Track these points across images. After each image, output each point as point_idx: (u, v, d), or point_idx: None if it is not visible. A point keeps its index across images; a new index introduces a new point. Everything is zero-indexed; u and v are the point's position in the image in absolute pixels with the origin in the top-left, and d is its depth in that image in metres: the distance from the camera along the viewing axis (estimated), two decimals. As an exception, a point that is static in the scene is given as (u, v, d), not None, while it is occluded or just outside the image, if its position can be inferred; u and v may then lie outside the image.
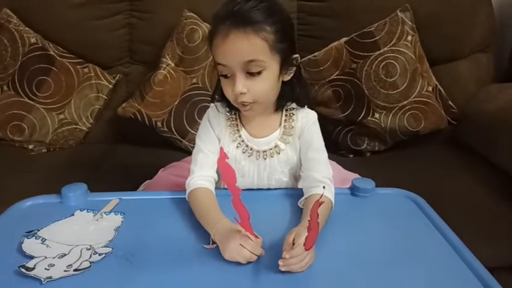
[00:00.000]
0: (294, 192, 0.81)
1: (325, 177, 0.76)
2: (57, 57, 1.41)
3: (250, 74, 0.68)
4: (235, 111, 0.79)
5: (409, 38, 1.36)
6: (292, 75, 0.75)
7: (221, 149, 0.57)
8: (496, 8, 1.50)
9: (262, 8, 0.67)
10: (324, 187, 0.70)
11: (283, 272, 0.59)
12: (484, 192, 1.14)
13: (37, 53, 1.39)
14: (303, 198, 0.75)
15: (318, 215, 0.55)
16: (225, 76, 0.70)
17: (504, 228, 1.00)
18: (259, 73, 0.68)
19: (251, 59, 0.67)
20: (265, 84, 0.70)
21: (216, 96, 0.80)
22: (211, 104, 0.81)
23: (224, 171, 0.56)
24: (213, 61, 0.73)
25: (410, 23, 1.36)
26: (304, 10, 1.46)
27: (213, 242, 0.65)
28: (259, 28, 0.66)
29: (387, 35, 1.35)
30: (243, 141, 0.79)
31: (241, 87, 0.68)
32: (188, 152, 1.35)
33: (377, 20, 1.37)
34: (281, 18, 0.70)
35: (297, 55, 0.74)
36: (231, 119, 0.79)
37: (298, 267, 0.59)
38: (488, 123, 1.31)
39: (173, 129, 1.36)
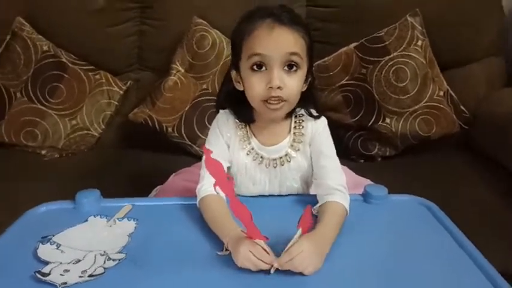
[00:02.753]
0: (306, 199, 0.80)
1: (339, 184, 0.75)
2: (69, 64, 1.43)
3: (288, 68, 0.69)
4: (243, 119, 0.78)
5: (419, 42, 1.35)
6: (306, 88, 0.76)
7: (203, 147, 0.58)
8: (507, 11, 1.49)
9: (299, 17, 0.73)
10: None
11: (294, 280, 0.59)
12: (498, 197, 1.12)
13: (49, 60, 1.41)
14: (317, 205, 0.75)
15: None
16: (259, 68, 0.70)
17: (518, 234, 0.99)
18: (295, 70, 0.70)
19: (295, 51, 0.69)
20: (298, 83, 0.71)
21: (222, 96, 0.81)
22: (221, 111, 0.81)
23: (214, 171, 0.56)
24: (222, 67, 0.74)
25: (420, 28, 1.36)
26: (313, 16, 1.47)
27: (227, 249, 0.65)
28: (300, 30, 0.70)
29: (397, 40, 1.35)
30: (253, 148, 0.78)
31: (278, 81, 0.68)
32: (199, 157, 1.35)
33: (387, 25, 1.37)
34: (309, 32, 0.73)
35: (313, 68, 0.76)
36: (240, 126, 0.79)
37: (294, 266, 0.59)
38: (501, 127, 1.30)
39: (184, 134, 1.37)
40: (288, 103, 0.72)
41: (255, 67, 0.70)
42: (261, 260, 0.59)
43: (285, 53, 0.68)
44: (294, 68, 0.70)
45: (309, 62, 0.73)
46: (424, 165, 1.33)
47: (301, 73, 0.71)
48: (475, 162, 1.32)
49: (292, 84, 0.70)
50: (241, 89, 0.75)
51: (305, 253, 0.60)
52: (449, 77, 1.40)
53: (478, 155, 1.36)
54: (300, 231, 0.62)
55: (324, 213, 0.71)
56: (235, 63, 0.75)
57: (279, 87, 0.68)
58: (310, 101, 0.79)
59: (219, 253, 0.65)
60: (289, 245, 0.61)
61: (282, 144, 0.78)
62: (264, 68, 0.69)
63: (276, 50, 0.68)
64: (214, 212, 0.72)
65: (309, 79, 0.76)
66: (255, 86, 0.70)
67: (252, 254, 0.59)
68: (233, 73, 0.76)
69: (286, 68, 0.69)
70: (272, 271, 0.60)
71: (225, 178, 0.57)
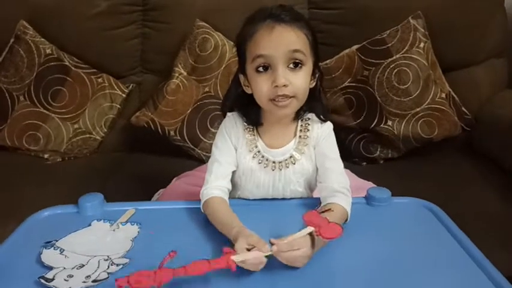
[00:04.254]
0: (309, 202, 0.80)
1: (342, 186, 0.76)
2: (72, 68, 1.43)
3: (293, 66, 0.70)
4: (251, 122, 0.79)
5: (422, 44, 1.35)
6: (314, 84, 0.76)
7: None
8: (510, 13, 1.49)
9: (299, 14, 0.73)
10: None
11: (298, 282, 0.59)
12: (500, 199, 1.12)
13: (52, 63, 1.41)
14: (319, 207, 0.75)
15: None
16: (265, 69, 0.70)
17: (521, 236, 0.99)
18: (300, 67, 0.70)
19: (297, 48, 0.69)
20: (304, 80, 0.71)
21: (229, 100, 0.81)
22: (228, 113, 0.81)
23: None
24: (225, 69, 0.74)
25: (422, 30, 1.36)
26: (315, 18, 1.46)
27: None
28: (301, 26, 0.70)
29: (399, 42, 1.35)
30: (259, 151, 0.78)
31: (283, 80, 0.69)
32: (201, 161, 1.35)
33: (389, 27, 1.37)
34: (312, 28, 0.73)
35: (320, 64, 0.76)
36: (248, 129, 0.79)
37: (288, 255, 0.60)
38: (503, 129, 1.30)
39: (186, 137, 1.37)
40: (296, 99, 0.72)
41: (260, 69, 0.70)
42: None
43: (288, 51, 0.69)
44: (299, 65, 0.70)
45: (314, 57, 0.73)
46: (426, 168, 1.32)
47: (307, 69, 0.72)
48: (477, 165, 1.32)
49: (298, 81, 0.70)
50: (250, 92, 0.75)
51: (302, 252, 0.61)
52: (452, 79, 1.40)
53: (481, 157, 1.36)
54: (309, 229, 0.62)
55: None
56: (241, 67, 0.76)
57: (284, 85, 0.69)
58: (319, 100, 0.79)
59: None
60: (294, 236, 0.61)
61: (288, 147, 0.79)
62: (269, 69, 0.70)
63: (278, 49, 0.69)
64: (220, 213, 0.73)
65: (317, 74, 0.76)
66: (261, 87, 0.71)
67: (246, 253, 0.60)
68: (241, 77, 0.77)
69: (291, 65, 0.70)
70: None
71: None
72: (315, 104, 0.78)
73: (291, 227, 0.73)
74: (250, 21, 0.72)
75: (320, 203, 0.77)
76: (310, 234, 0.63)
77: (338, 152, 0.80)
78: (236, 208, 0.74)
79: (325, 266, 0.63)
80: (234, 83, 0.80)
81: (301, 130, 0.79)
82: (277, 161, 0.78)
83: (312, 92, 0.76)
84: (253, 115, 0.78)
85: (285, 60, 0.69)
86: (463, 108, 1.38)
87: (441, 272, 0.64)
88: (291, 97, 0.70)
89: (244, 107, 0.78)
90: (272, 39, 0.69)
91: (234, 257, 0.59)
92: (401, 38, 1.35)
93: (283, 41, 0.69)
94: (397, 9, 1.40)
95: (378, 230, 0.75)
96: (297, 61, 0.70)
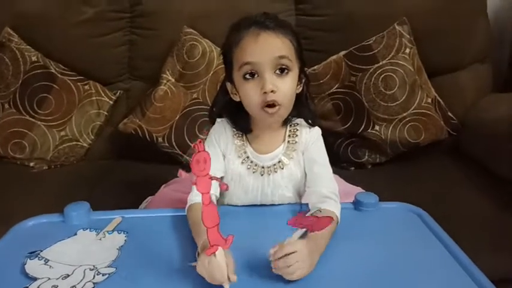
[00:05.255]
0: (298, 208, 0.80)
1: (331, 192, 0.76)
2: (58, 75, 1.42)
3: (279, 72, 0.70)
4: (240, 129, 0.79)
5: (407, 50, 1.37)
6: (301, 89, 0.77)
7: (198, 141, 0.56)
8: (492, 18, 1.52)
9: (283, 21, 0.74)
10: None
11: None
12: (486, 203, 1.13)
13: (38, 71, 1.40)
14: (309, 213, 0.75)
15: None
16: (252, 76, 0.71)
17: (507, 239, 1.00)
18: (286, 73, 0.71)
19: (283, 54, 0.70)
20: (291, 85, 0.72)
21: (217, 107, 0.81)
22: (218, 120, 0.81)
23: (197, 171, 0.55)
24: (213, 76, 0.74)
25: (408, 36, 1.38)
26: (303, 24, 1.48)
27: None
28: (286, 32, 0.72)
29: (385, 48, 1.36)
30: (248, 157, 0.79)
31: (271, 85, 0.69)
32: (189, 168, 1.34)
33: (375, 33, 1.38)
34: (296, 34, 0.75)
35: (306, 70, 0.78)
36: (237, 135, 0.79)
37: (285, 266, 0.59)
38: (489, 133, 1.32)
39: (174, 144, 1.36)
40: (283, 107, 0.72)
41: (247, 76, 0.71)
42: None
43: (274, 58, 0.69)
44: (285, 71, 0.71)
45: (299, 63, 0.74)
46: (413, 172, 1.34)
47: (293, 75, 0.72)
48: (464, 168, 1.34)
49: (285, 86, 0.71)
50: (237, 99, 0.76)
51: (298, 255, 0.59)
52: (437, 84, 1.42)
53: (467, 161, 1.37)
54: (300, 231, 0.62)
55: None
56: (229, 75, 0.76)
57: (272, 91, 0.69)
58: (306, 105, 0.80)
59: (190, 264, 0.62)
60: (285, 241, 0.61)
61: (276, 152, 0.79)
62: (256, 76, 0.71)
63: (264, 56, 0.69)
64: (194, 219, 0.71)
65: (303, 80, 0.77)
66: (249, 94, 0.72)
67: (206, 266, 0.57)
68: (228, 85, 0.77)
69: (277, 71, 0.71)
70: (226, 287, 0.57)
71: (207, 187, 0.56)
72: (302, 109, 0.79)
73: (281, 233, 0.73)
74: (235, 29, 0.73)
75: (309, 210, 0.77)
76: (302, 237, 0.63)
77: (327, 157, 0.81)
78: (223, 216, 0.73)
79: (314, 271, 0.63)
80: (221, 91, 0.80)
81: (289, 135, 0.80)
82: (266, 166, 0.79)
83: (299, 97, 0.77)
84: (242, 122, 0.78)
85: (271, 67, 0.70)
86: (449, 113, 1.40)
87: (428, 276, 0.64)
88: (278, 105, 0.71)
89: (232, 114, 0.79)
90: (258, 46, 0.69)
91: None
92: (387, 44, 1.37)
93: (269, 48, 0.69)
94: (383, 15, 1.41)
95: (365, 235, 0.75)
96: (283, 67, 0.71)
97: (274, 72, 0.70)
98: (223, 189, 0.61)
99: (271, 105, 0.71)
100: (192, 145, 0.57)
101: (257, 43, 0.69)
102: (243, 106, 0.75)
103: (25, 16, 1.44)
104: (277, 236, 0.64)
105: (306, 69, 1.34)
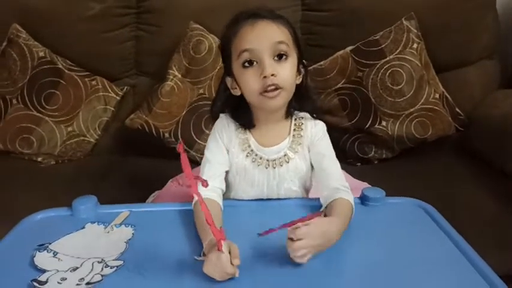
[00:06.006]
0: (305, 203, 0.80)
1: (342, 184, 0.76)
2: (66, 71, 1.42)
3: (278, 58, 0.71)
4: (243, 124, 0.79)
5: (415, 45, 1.36)
6: (301, 80, 0.77)
7: (180, 145, 0.60)
8: (501, 14, 1.51)
9: (279, 14, 0.75)
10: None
11: (292, 282, 0.59)
12: (493, 199, 1.13)
13: (46, 66, 1.41)
14: (323, 207, 0.75)
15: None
16: (251, 64, 0.71)
17: (514, 235, 1.00)
18: (285, 59, 0.72)
19: (281, 39, 0.71)
20: (290, 71, 0.72)
21: (218, 104, 0.81)
22: (221, 114, 0.81)
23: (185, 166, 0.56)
24: (220, 71, 0.74)
25: (415, 31, 1.37)
26: (309, 20, 1.47)
27: (204, 255, 0.64)
28: (282, 21, 0.73)
29: (393, 43, 1.36)
30: (252, 150, 0.79)
31: (271, 69, 0.69)
32: (196, 162, 1.35)
33: (382, 28, 1.37)
34: (292, 27, 0.75)
35: (305, 61, 0.78)
36: (240, 129, 0.79)
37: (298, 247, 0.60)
38: (496, 129, 1.31)
39: (180, 139, 1.36)
40: (285, 90, 0.72)
41: (246, 64, 0.71)
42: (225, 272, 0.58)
43: (272, 43, 0.70)
44: (284, 57, 0.72)
45: (297, 52, 0.75)
46: (420, 168, 1.33)
47: (292, 61, 0.73)
48: (471, 164, 1.33)
49: (285, 72, 0.71)
50: (238, 93, 0.76)
51: (311, 227, 0.60)
52: (445, 80, 1.41)
53: (474, 157, 1.36)
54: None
55: (333, 208, 0.72)
56: (228, 69, 0.76)
57: (272, 75, 0.70)
58: (308, 97, 0.80)
59: (197, 258, 0.64)
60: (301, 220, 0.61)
61: (281, 145, 0.79)
62: (255, 63, 0.71)
63: (263, 42, 0.70)
64: (200, 216, 0.71)
65: (302, 71, 0.77)
66: (249, 81, 0.72)
67: (217, 264, 0.58)
68: (228, 80, 0.77)
69: (276, 58, 0.71)
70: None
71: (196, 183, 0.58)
72: (304, 101, 0.79)
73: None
74: (232, 23, 0.73)
75: (321, 205, 0.77)
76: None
77: (334, 152, 0.80)
78: (229, 209, 0.74)
79: (320, 266, 0.63)
80: (221, 87, 0.80)
81: (294, 129, 0.79)
82: (271, 159, 0.79)
83: (299, 89, 0.76)
84: (244, 117, 0.78)
85: (270, 53, 0.70)
86: (457, 109, 1.39)
87: (436, 272, 0.64)
88: (279, 88, 0.71)
89: (234, 110, 0.79)
90: (255, 33, 0.70)
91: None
92: (394, 39, 1.36)
93: (266, 34, 0.70)
94: (390, 10, 1.40)
95: (372, 230, 0.75)
96: (281, 53, 0.71)
97: (273, 58, 0.71)
98: (204, 186, 0.62)
99: (272, 89, 0.71)
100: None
101: (254, 30, 0.70)
102: (244, 101, 0.75)
103: (33, 12, 1.45)
104: (284, 230, 0.64)
105: (314, 65, 1.35)
